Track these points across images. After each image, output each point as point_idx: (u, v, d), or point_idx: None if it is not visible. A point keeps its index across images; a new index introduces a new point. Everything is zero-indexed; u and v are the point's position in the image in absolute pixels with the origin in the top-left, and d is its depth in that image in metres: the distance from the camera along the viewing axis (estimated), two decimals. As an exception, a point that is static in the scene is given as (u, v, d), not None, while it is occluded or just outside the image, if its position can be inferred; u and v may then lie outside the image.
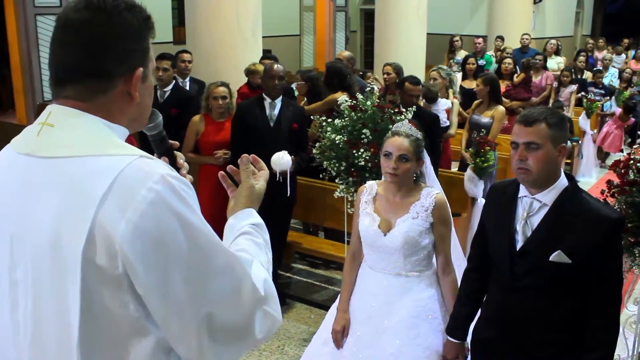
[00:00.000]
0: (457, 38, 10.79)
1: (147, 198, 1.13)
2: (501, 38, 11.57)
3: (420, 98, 5.69)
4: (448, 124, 6.24)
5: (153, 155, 1.28)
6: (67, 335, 1.16)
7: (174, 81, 5.73)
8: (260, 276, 1.31)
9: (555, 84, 9.20)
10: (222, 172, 1.61)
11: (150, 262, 1.13)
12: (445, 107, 6.24)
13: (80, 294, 1.13)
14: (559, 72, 9.64)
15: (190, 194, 1.20)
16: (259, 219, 1.51)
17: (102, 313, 1.15)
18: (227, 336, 1.24)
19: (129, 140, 1.30)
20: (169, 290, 1.15)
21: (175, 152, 1.52)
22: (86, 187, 1.14)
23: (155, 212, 1.13)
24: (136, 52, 1.25)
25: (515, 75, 8.51)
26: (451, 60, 10.31)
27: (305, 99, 5.90)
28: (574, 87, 9.10)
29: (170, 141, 1.52)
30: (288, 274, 5.48)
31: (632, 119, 9.17)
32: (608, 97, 9.64)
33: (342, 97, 4.25)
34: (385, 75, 6.16)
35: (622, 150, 9.21)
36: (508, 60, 8.49)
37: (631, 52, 13.28)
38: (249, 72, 6.23)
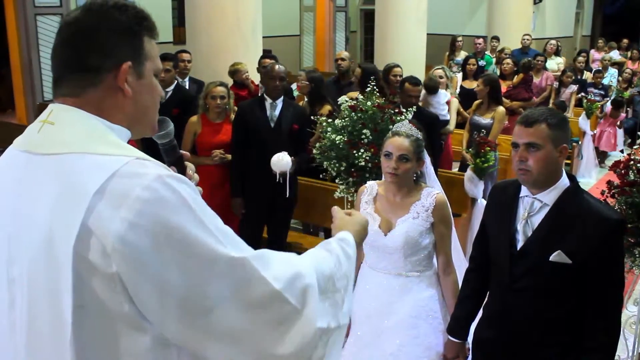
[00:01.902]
0: (460, 38, 10.77)
1: (142, 197, 1.11)
2: (496, 38, 11.55)
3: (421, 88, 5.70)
4: (448, 117, 6.25)
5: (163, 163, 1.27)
6: (61, 332, 1.15)
7: (176, 81, 5.75)
8: (283, 271, 1.21)
9: (555, 84, 9.20)
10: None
11: (144, 263, 1.11)
12: (446, 98, 6.25)
13: (72, 290, 1.12)
14: (559, 73, 9.64)
15: (189, 192, 1.17)
16: (347, 235, 1.49)
17: (96, 310, 1.14)
18: (237, 334, 1.18)
19: (130, 144, 1.29)
20: (162, 291, 1.13)
21: (186, 162, 1.49)
22: (79, 184, 1.14)
23: (150, 211, 1.11)
24: (124, 48, 1.26)
25: (516, 76, 8.51)
26: (451, 61, 10.30)
27: (306, 99, 5.88)
28: (574, 87, 9.11)
29: (181, 151, 1.50)
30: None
31: (623, 115, 9.16)
32: (608, 98, 9.64)
33: (342, 97, 4.26)
34: (398, 77, 6.14)
35: (622, 151, 9.21)
36: (507, 60, 8.48)
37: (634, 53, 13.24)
38: (231, 73, 6.48)
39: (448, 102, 6.30)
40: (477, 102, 6.20)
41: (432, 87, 6.13)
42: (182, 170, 1.44)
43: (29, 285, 1.19)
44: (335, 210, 1.64)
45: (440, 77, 6.39)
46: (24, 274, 1.19)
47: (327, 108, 5.41)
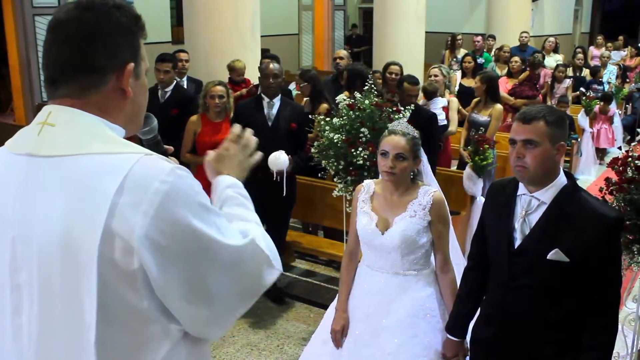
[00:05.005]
0: (460, 36, 10.75)
1: (161, 190, 1.14)
2: (492, 37, 11.47)
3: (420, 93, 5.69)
4: (445, 122, 6.23)
5: None
6: (80, 334, 1.15)
7: (175, 82, 5.75)
8: (261, 237, 1.35)
9: (548, 80, 9.18)
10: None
11: (166, 252, 1.14)
12: (442, 104, 6.22)
13: (96, 291, 1.13)
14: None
15: (198, 182, 1.23)
16: (238, 182, 1.55)
17: (118, 309, 1.16)
18: (240, 301, 1.31)
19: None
20: (185, 280, 1.17)
21: (171, 157, 1.51)
22: (96, 185, 1.14)
23: (170, 203, 1.15)
24: (126, 48, 1.26)
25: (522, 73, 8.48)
26: (452, 60, 10.25)
27: (309, 100, 5.85)
28: (568, 82, 9.09)
29: (165, 146, 1.52)
30: (287, 274, 5.47)
31: (613, 109, 9.13)
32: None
33: (340, 96, 4.25)
34: (394, 75, 6.12)
35: (620, 148, 9.20)
36: (515, 58, 8.46)
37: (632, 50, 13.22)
38: (229, 69, 6.52)
39: (445, 109, 6.26)
40: (475, 99, 6.20)
41: (430, 93, 6.12)
42: None
43: (40, 290, 1.18)
44: (240, 149, 1.60)
45: (436, 75, 6.37)
46: (33, 279, 1.19)
47: (324, 107, 5.41)
